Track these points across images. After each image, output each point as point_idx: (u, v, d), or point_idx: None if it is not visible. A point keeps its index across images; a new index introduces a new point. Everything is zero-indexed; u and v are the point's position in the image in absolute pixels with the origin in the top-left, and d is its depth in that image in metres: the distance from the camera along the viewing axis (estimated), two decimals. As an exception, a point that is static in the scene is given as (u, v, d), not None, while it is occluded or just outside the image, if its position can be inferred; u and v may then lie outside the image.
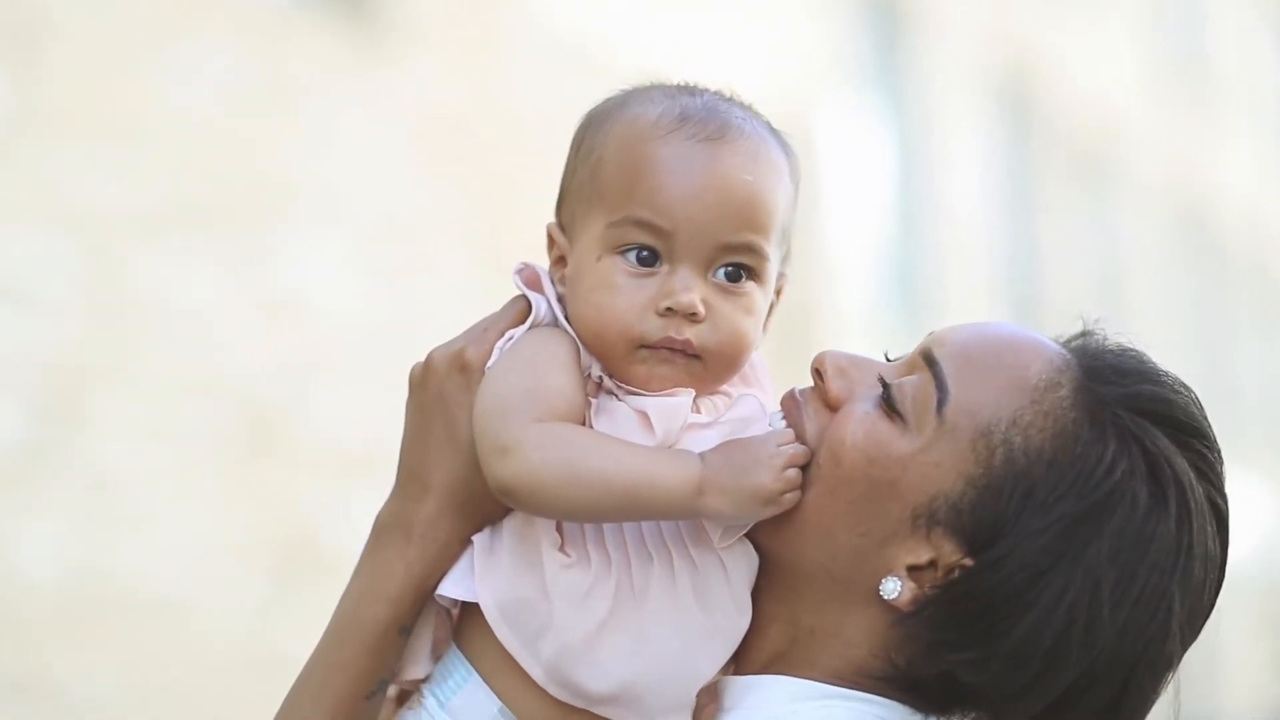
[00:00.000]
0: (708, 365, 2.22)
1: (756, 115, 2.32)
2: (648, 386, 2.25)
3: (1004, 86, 19.46)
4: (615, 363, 2.25)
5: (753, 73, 12.32)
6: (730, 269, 2.22)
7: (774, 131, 2.32)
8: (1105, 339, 2.27)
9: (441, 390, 2.29)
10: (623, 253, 2.21)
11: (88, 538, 8.20)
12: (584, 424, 2.24)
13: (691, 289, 2.19)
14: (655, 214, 2.20)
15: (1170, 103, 23.66)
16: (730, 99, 2.32)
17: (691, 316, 2.20)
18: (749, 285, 2.23)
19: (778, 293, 2.31)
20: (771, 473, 2.14)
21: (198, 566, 8.65)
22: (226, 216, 9.25)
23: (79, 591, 8.11)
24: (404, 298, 10.25)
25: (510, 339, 2.28)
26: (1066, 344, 2.27)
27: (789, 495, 2.15)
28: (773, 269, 2.26)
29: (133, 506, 8.41)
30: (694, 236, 2.20)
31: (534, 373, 2.22)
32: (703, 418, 2.26)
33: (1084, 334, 2.28)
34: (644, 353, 2.22)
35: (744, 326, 2.23)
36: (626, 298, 2.20)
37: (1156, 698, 2.19)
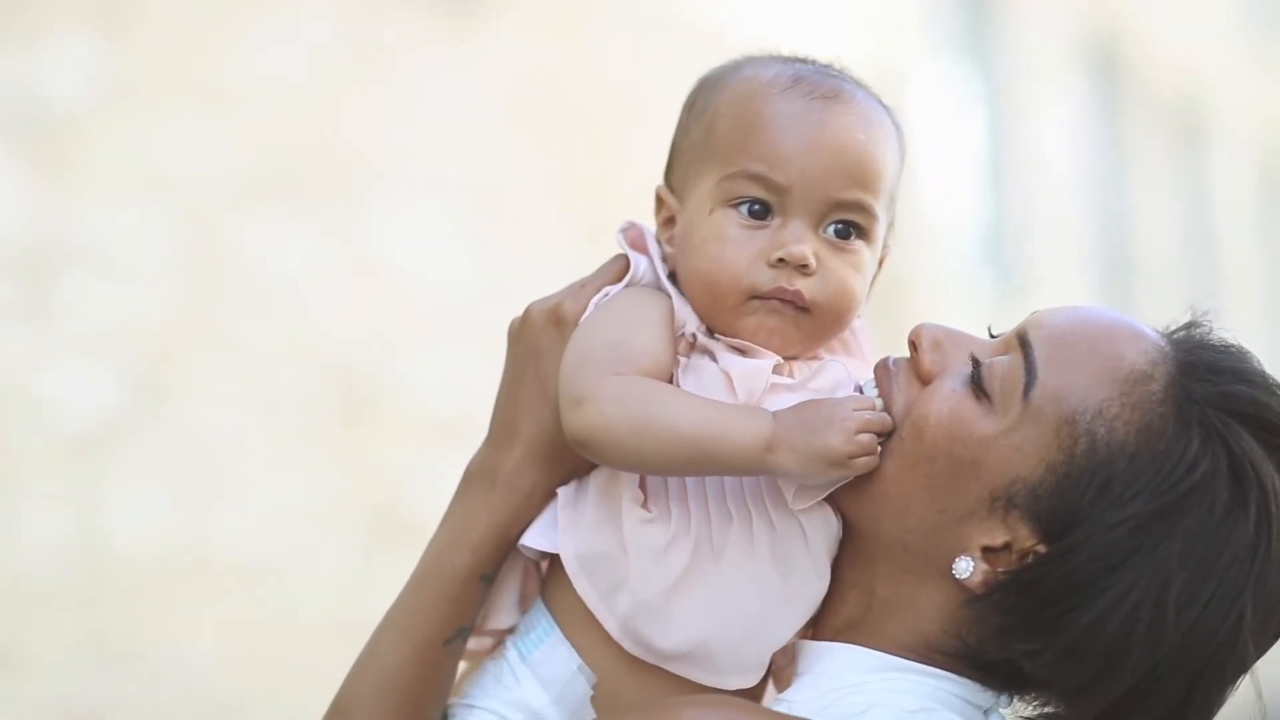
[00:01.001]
0: (816, 318, 2.24)
1: (867, 86, 2.35)
2: (756, 338, 2.26)
3: (1095, 50, 19.24)
4: (725, 315, 2.27)
5: (844, 38, 12.24)
6: (840, 226, 2.25)
7: (883, 103, 2.35)
8: (1209, 332, 2.22)
9: (536, 342, 2.31)
10: (736, 205, 2.25)
11: (181, 506, 8.23)
12: (670, 382, 2.24)
13: (803, 241, 2.22)
14: (769, 167, 2.23)
15: (1262, 65, 23.36)
16: (842, 69, 2.35)
17: (803, 268, 2.22)
18: (858, 243, 2.27)
19: (881, 262, 2.34)
20: (843, 435, 2.14)
21: (289, 534, 8.67)
22: (318, 184, 9.24)
23: (172, 560, 8.14)
24: (495, 263, 10.23)
25: (606, 295, 2.31)
26: (1169, 334, 2.22)
27: (861, 460, 2.14)
28: (881, 229, 2.30)
29: (225, 474, 8.43)
30: (807, 191, 2.23)
31: (622, 328, 2.24)
32: (787, 380, 2.26)
33: (1190, 325, 2.24)
34: (755, 304, 2.24)
35: (853, 282, 2.26)
36: (739, 248, 2.22)
37: (1223, 702, 2.15)
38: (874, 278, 2.33)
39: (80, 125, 8.04)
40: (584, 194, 10.47)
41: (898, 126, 2.35)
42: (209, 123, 8.62)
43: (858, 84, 2.34)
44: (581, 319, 2.29)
